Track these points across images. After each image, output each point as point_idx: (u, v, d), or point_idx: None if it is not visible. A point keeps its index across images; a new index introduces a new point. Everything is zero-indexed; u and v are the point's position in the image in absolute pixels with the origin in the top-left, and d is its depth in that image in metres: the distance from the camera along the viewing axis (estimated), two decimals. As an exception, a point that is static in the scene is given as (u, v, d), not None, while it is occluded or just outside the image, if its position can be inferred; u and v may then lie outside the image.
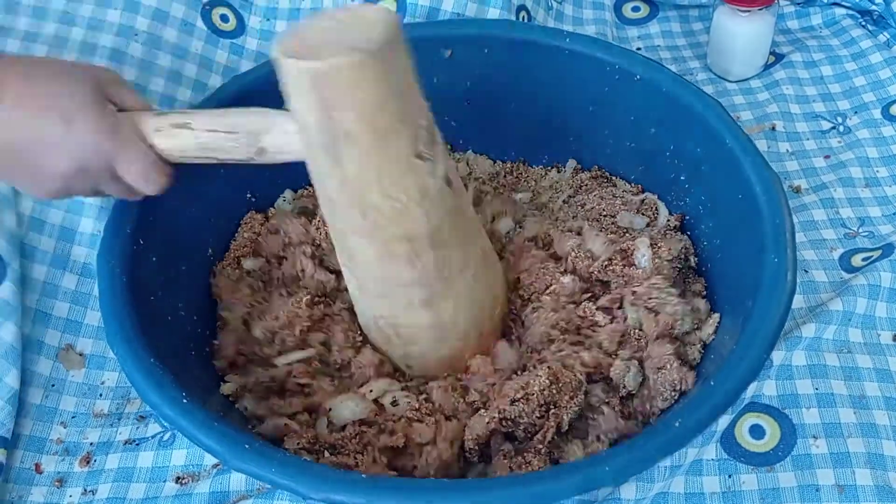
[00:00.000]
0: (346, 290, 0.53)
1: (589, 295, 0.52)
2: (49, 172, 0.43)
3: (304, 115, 0.39)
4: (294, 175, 0.63)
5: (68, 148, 0.42)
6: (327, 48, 0.37)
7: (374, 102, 0.38)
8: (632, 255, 0.53)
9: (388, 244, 0.43)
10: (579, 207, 0.60)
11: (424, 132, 0.41)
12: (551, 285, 0.53)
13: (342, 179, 0.40)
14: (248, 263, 0.58)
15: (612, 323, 0.51)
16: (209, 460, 0.51)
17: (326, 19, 0.39)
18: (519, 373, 0.49)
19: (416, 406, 0.48)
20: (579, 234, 0.57)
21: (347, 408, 0.48)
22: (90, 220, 0.59)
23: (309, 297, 0.53)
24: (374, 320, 0.48)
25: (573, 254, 0.54)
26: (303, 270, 0.55)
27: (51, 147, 0.42)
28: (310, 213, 0.60)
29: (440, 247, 0.44)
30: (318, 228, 0.57)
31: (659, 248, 0.53)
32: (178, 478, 0.51)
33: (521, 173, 0.66)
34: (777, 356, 0.54)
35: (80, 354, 0.57)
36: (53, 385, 0.55)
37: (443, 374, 0.51)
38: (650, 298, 0.51)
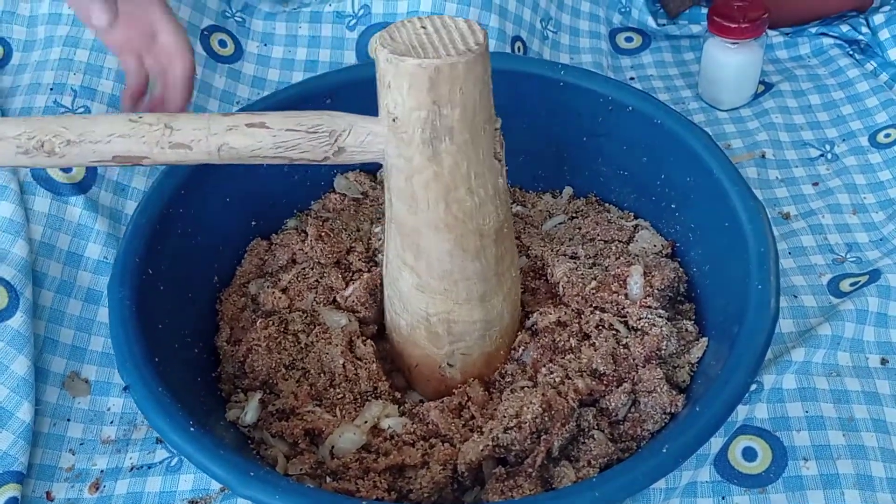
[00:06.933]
0: (346, 306, 0.55)
1: (580, 318, 0.54)
2: None
3: (411, 112, 0.41)
4: (296, 201, 0.65)
5: None
6: (435, 49, 0.40)
7: (475, 101, 0.42)
8: (624, 282, 0.54)
9: (462, 239, 0.46)
10: (576, 230, 0.62)
11: (499, 135, 0.45)
12: (543, 308, 0.54)
13: (436, 174, 0.43)
14: (253, 287, 0.59)
15: (598, 348, 0.51)
16: (216, 485, 0.52)
17: (417, 25, 0.42)
18: (510, 391, 0.50)
19: (411, 430, 0.50)
20: (574, 258, 0.58)
21: (348, 440, 0.49)
22: (97, 246, 0.60)
23: (276, 321, 0.55)
24: (425, 318, 0.50)
25: (566, 278, 0.55)
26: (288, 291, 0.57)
27: None
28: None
29: (501, 243, 0.48)
30: (312, 248, 0.59)
31: (652, 276, 0.54)
32: (192, 502, 0.52)
33: (518, 197, 0.68)
34: (768, 380, 0.55)
35: (86, 381, 0.58)
36: (60, 413, 0.56)
37: (482, 371, 0.53)
38: (640, 319, 0.52)
